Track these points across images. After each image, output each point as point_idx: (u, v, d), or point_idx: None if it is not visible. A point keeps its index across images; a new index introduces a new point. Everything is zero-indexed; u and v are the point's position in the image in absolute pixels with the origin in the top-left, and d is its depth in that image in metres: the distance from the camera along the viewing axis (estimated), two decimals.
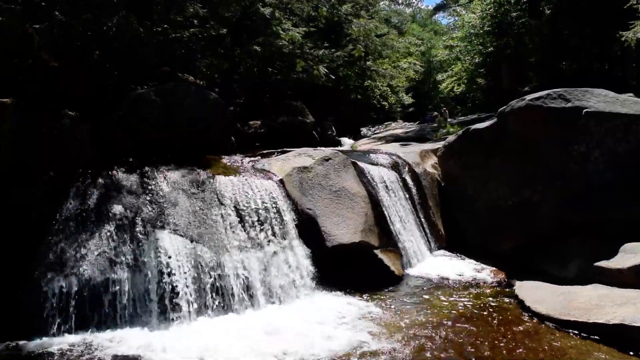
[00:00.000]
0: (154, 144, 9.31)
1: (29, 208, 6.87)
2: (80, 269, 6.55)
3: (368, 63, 26.65)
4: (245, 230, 7.88)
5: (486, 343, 6.05)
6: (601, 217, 8.46)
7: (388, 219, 9.60)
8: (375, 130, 28.98)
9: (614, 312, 6.19)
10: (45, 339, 6.09)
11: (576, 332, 6.26)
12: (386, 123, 33.09)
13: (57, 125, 7.83)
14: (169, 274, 6.80)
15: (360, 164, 10.22)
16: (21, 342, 6.00)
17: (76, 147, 8.00)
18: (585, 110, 8.79)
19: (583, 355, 5.71)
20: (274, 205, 8.31)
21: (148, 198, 7.48)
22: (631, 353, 5.69)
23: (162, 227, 7.19)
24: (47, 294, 6.32)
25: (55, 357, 5.71)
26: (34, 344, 5.97)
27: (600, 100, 9.10)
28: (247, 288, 7.37)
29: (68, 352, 5.82)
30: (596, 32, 18.17)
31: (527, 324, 6.67)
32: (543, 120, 9.15)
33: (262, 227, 8.04)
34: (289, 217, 8.37)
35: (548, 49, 20.37)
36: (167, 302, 6.69)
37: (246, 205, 8.10)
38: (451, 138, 11.61)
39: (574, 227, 8.77)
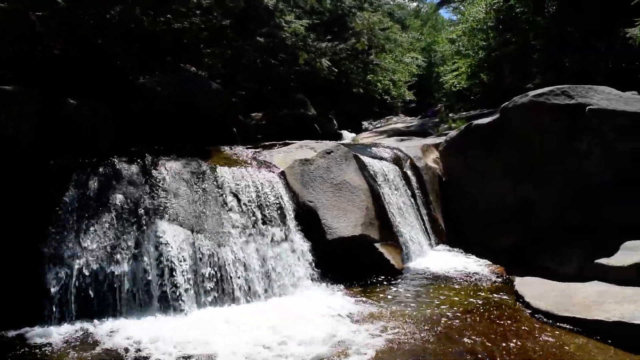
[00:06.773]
0: (157, 135, 9.40)
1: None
2: (81, 257, 6.58)
3: (371, 57, 26.48)
4: (245, 222, 7.88)
5: (484, 339, 6.05)
6: (599, 218, 8.47)
7: (389, 212, 9.59)
8: (376, 124, 28.97)
9: (613, 309, 6.19)
10: (45, 327, 6.10)
11: (576, 328, 6.25)
12: (387, 117, 33.10)
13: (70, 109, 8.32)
14: (169, 264, 6.82)
15: (362, 157, 10.20)
16: (21, 331, 6.01)
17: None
18: (588, 107, 8.74)
19: (581, 351, 5.71)
20: (274, 197, 8.30)
21: (148, 188, 7.48)
22: (630, 350, 5.68)
23: (162, 217, 7.20)
24: (48, 281, 6.34)
25: (56, 345, 5.73)
26: (34, 332, 5.98)
27: (603, 97, 9.04)
28: (246, 280, 7.37)
29: (68, 340, 5.85)
30: (601, 28, 18.05)
31: (527, 319, 6.67)
32: (546, 117, 9.12)
33: (262, 219, 8.04)
34: (289, 209, 8.37)
35: (551, 46, 20.26)
36: (167, 292, 6.70)
37: (247, 196, 8.09)
38: (453, 133, 11.60)
39: (572, 225, 8.78)
